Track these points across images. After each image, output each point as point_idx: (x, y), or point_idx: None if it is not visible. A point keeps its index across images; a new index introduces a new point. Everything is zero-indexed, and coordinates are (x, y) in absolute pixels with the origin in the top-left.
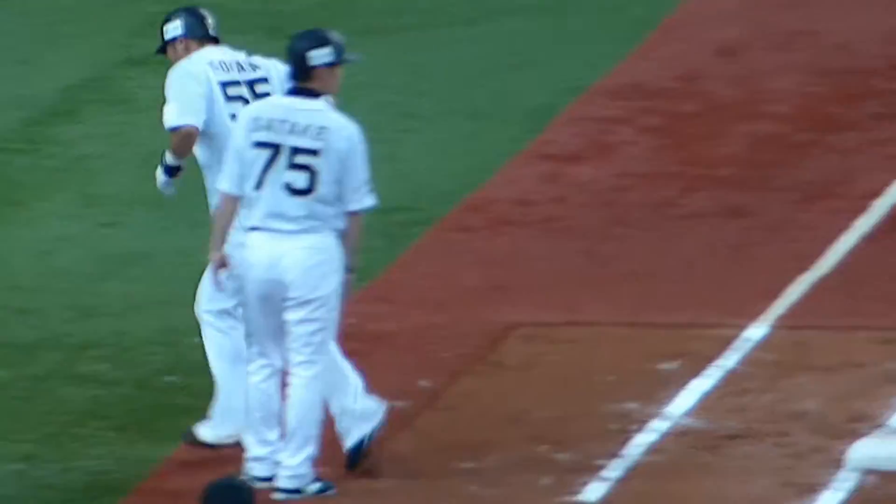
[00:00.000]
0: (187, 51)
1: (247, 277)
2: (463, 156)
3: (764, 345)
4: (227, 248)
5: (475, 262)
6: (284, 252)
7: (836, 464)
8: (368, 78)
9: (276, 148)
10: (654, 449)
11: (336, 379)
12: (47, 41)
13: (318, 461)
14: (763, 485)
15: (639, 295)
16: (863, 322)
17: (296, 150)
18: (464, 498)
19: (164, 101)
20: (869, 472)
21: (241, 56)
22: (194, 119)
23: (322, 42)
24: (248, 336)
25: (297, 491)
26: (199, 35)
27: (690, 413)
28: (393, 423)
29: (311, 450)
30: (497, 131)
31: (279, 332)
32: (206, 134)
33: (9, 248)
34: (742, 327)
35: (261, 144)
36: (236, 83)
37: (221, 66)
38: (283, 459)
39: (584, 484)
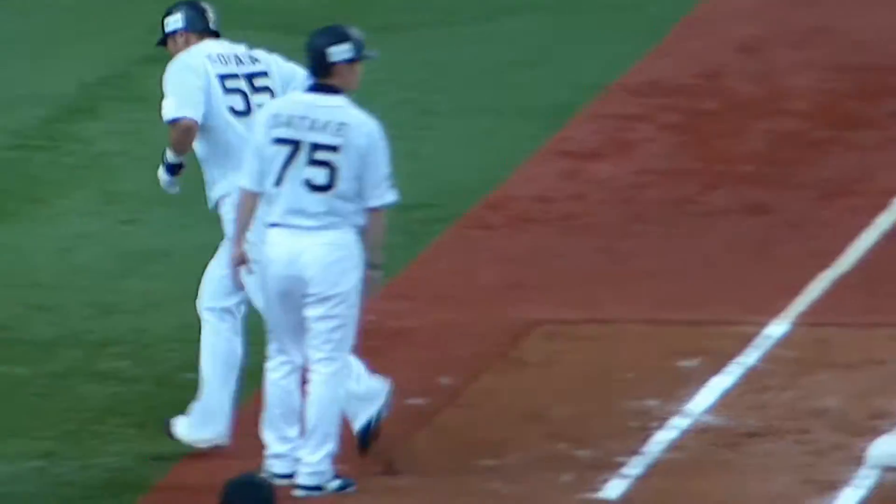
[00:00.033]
0: (187, 44)
1: (266, 273)
2: (483, 153)
3: (784, 342)
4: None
5: (495, 259)
6: (304, 248)
7: (857, 461)
8: (388, 75)
9: (296, 144)
10: (674, 446)
11: None
12: (67, 38)
13: (338, 458)
14: (783, 482)
15: (659, 292)
16: (883, 319)
17: (316, 147)
18: (484, 495)
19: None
20: (889, 469)
21: (240, 49)
22: (193, 112)
23: (342, 38)
24: (268, 333)
25: (317, 488)
26: (200, 28)
27: (711, 410)
28: (413, 420)
29: (331, 446)
30: (517, 128)
31: (299, 328)
32: (203, 127)
33: (29, 245)
34: (762, 324)
35: (281, 141)
36: (234, 76)
37: (220, 59)
38: (303, 456)
39: (605, 481)
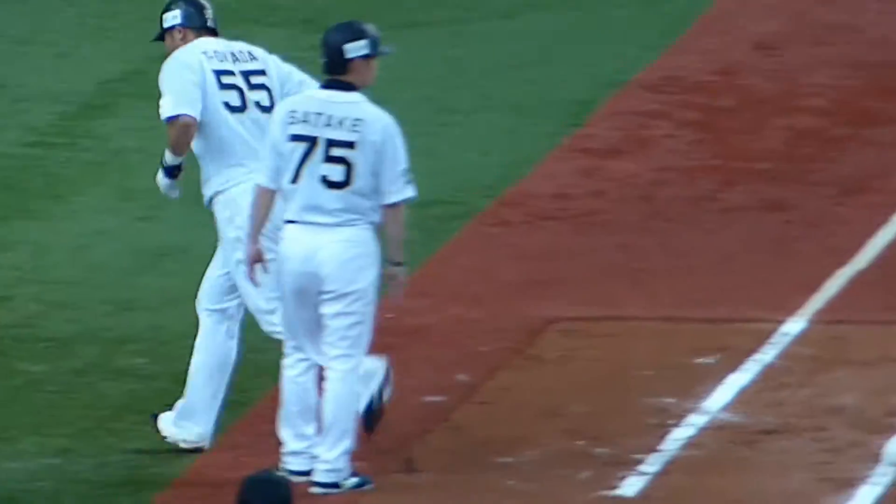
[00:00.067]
0: (185, 40)
1: (283, 270)
2: (501, 150)
3: (801, 339)
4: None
5: (513, 256)
6: (321, 245)
7: (874, 458)
8: (406, 72)
9: (312, 141)
10: (691, 443)
11: None
12: (84, 35)
13: (355, 456)
14: (800, 479)
15: (676, 289)
16: None
17: (332, 143)
18: (501, 492)
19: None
20: None
21: (237, 46)
22: (191, 109)
23: (358, 35)
24: (285, 330)
25: (334, 485)
26: (197, 25)
27: (728, 408)
28: (430, 417)
29: (348, 443)
30: (535, 126)
31: (315, 326)
32: (199, 123)
33: (47, 242)
34: (780, 322)
35: (297, 137)
36: (230, 72)
37: (216, 55)
38: (321, 453)
39: (622, 478)
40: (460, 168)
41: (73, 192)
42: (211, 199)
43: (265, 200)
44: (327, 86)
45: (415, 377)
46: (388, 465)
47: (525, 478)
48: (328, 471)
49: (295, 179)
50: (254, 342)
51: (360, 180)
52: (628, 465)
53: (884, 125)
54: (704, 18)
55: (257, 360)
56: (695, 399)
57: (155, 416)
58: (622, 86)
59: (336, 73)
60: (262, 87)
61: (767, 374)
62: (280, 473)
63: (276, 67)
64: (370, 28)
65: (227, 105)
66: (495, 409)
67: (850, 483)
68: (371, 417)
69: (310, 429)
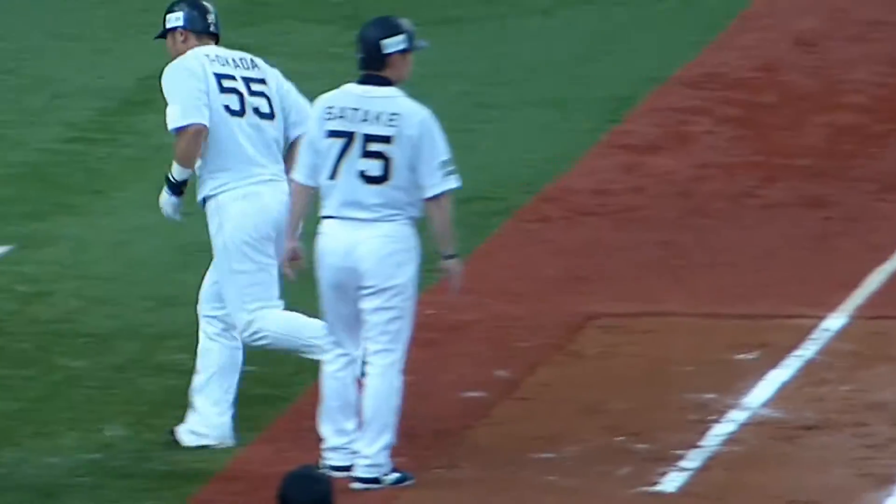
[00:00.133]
0: (186, 43)
1: (321, 265)
2: (541, 146)
3: (842, 335)
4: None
5: (553, 252)
6: (360, 240)
7: None
8: (446, 68)
9: (349, 136)
10: (731, 439)
11: (294, 325)
12: (124, 31)
13: (396, 451)
14: (840, 475)
15: (717, 285)
16: None
17: (369, 138)
18: (541, 488)
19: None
20: None
21: (238, 54)
22: (200, 117)
23: (395, 30)
24: (324, 326)
25: (375, 480)
26: (200, 29)
27: (768, 403)
28: (470, 413)
29: (388, 438)
30: (575, 121)
31: (354, 321)
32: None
33: (88, 238)
34: (820, 318)
35: (334, 133)
36: (231, 76)
37: (217, 59)
38: (361, 449)
39: (663, 474)
40: (500, 164)
41: (114, 188)
42: (203, 202)
43: (302, 197)
44: (363, 81)
45: (455, 373)
46: (429, 460)
47: (565, 474)
48: (368, 466)
49: (333, 175)
50: None
51: (398, 175)
52: (668, 460)
53: None
54: (745, 15)
55: (297, 357)
56: (735, 395)
57: (171, 432)
58: (662, 82)
59: (373, 69)
60: (261, 94)
61: (808, 370)
62: (321, 469)
63: (277, 80)
64: (406, 23)
65: (227, 108)
66: (535, 405)
67: (890, 479)
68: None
69: (350, 424)
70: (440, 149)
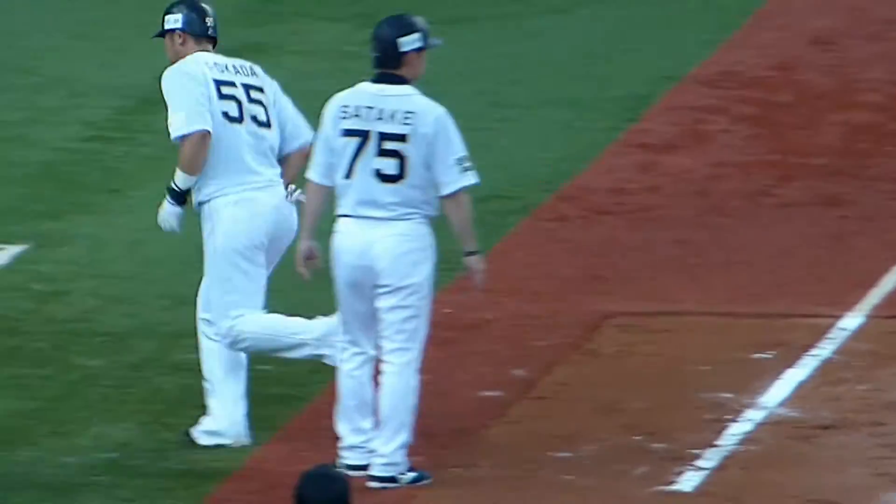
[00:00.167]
0: (184, 44)
1: (337, 263)
2: (558, 145)
3: (859, 334)
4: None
5: (570, 251)
6: (376, 239)
7: None
8: (463, 67)
9: (364, 135)
10: (748, 439)
11: (274, 324)
12: (141, 29)
13: (412, 450)
14: (857, 475)
15: (733, 284)
16: None
17: (384, 137)
18: (559, 487)
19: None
20: None
21: (238, 61)
22: (204, 123)
23: (411, 28)
24: (341, 325)
25: (391, 479)
26: (198, 32)
27: (785, 403)
28: (487, 412)
29: (404, 437)
30: (592, 120)
31: (370, 319)
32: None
33: (105, 237)
34: (837, 317)
35: (349, 132)
36: (231, 83)
37: (216, 66)
38: (378, 447)
39: (679, 473)
40: (517, 163)
41: (131, 187)
42: (199, 205)
43: (318, 197)
44: (378, 79)
45: (472, 372)
46: (446, 459)
47: (582, 473)
48: (385, 465)
49: (349, 174)
50: None
51: (414, 173)
52: (685, 460)
53: None
54: (761, 13)
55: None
56: (752, 394)
57: (187, 433)
58: (679, 81)
59: (389, 67)
60: (259, 102)
61: (825, 370)
62: (337, 468)
63: (274, 91)
64: (419, 21)
65: (225, 115)
66: (552, 404)
67: None
68: None
69: (367, 423)
70: (456, 146)
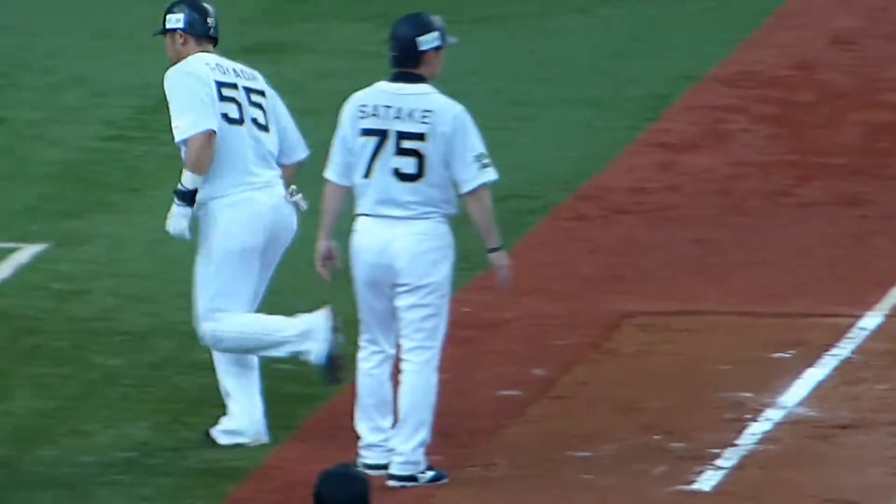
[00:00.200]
0: (185, 45)
1: (357, 262)
2: (578, 144)
3: (878, 334)
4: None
5: (590, 250)
6: (395, 238)
7: None
8: (482, 66)
9: (383, 134)
10: (767, 438)
11: (254, 323)
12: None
13: (431, 449)
14: (876, 474)
15: (753, 284)
16: None
17: (402, 135)
18: (578, 486)
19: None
20: None
21: (239, 65)
22: (210, 123)
23: (429, 27)
24: (360, 323)
25: (410, 478)
26: (199, 33)
27: (804, 402)
28: (506, 411)
29: (423, 435)
30: (612, 120)
31: (389, 318)
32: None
33: (125, 236)
34: (856, 316)
35: (368, 132)
36: (232, 85)
37: (218, 68)
38: (396, 446)
39: (699, 473)
40: (536, 162)
41: (151, 186)
42: (197, 206)
43: (337, 197)
44: (396, 78)
45: (491, 371)
46: (465, 459)
47: (601, 472)
48: (404, 463)
49: (367, 174)
50: None
51: (433, 172)
52: (704, 459)
53: None
54: (781, 13)
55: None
56: (771, 394)
57: (207, 433)
58: (699, 80)
59: (408, 66)
60: (259, 106)
61: (844, 369)
62: (357, 467)
63: (272, 99)
64: (437, 19)
65: (225, 117)
66: (571, 404)
67: None
68: (333, 368)
69: (386, 422)
70: (474, 143)
